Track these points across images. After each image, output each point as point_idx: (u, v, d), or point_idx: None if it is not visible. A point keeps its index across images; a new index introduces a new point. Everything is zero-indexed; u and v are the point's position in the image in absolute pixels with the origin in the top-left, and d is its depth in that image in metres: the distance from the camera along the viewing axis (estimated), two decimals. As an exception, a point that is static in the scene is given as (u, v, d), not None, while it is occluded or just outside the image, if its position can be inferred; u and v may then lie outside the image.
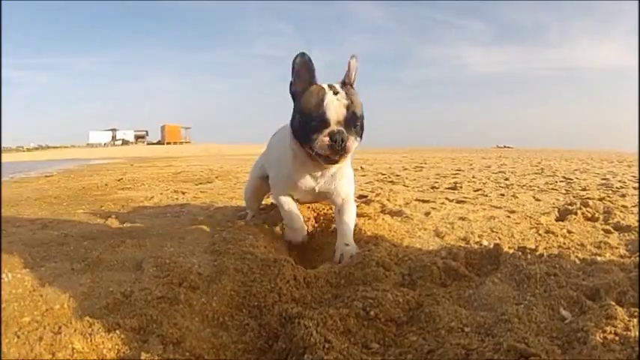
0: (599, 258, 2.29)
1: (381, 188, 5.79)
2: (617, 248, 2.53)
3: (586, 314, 1.58)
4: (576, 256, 2.34)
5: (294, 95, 2.47)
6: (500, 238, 2.77)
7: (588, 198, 4.25)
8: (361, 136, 2.43)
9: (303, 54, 2.38)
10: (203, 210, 4.07)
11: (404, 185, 6.25)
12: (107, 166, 15.17)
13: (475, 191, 5.39)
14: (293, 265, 2.05)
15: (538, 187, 5.73)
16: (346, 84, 2.42)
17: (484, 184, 6.30)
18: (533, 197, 4.70)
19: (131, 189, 6.33)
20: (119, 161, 20.79)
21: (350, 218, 2.66)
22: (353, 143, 2.35)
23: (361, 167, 10.55)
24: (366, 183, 6.77)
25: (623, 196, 4.56)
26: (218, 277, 1.95)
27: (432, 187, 5.85)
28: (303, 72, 2.40)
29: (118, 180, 7.99)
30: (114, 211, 3.98)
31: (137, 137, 72.89)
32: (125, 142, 70.14)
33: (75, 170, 13.14)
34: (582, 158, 14.66)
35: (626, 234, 2.85)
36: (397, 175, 8.08)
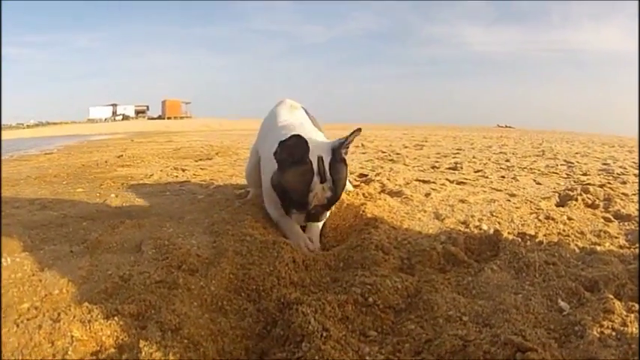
0: (598, 248, 2.28)
1: (382, 167, 5.79)
2: (616, 238, 2.49)
3: (584, 307, 1.59)
4: (576, 245, 2.32)
5: (280, 162, 2.39)
6: (499, 223, 2.75)
7: (589, 184, 4.22)
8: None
9: (299, 136, 2.28)
10: (203, 188, 4.05)
11: (404, 164, 6.22)
12: (107, 142, 15.12)
13: (475, 172, 5.35)
14: (292, 248, 2.06)
15: (539, 169, 5.68)
16: (341, 149, 2.40)
17: (485, 164, 6.26)
18: (534, 180, 4.67)
19: (131, 166, 6.30)
20: (120, 137, 20.74)
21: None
22: (326, 215, 2.48)
23: (362, 144, 10.51)
24: (367, 161, 6.75)
25: (624, 183, 4.51)
26: (217, 260, 1.95)
27: (433, 167, 5.81)
28: (297, 151, 2.31)
29: (118, 157, 7.96)
30: (113, 190, 3.97)
31: (138, 112, 72.51)
32: (126, 117, 69.80)
33: (75, 147, 13.07)
34: (583, 141, 14.58)
35: (626, 223, 2.82)
36: (397, 154, 8.05)
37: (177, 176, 4.98)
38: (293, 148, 2.28)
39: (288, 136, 2.31)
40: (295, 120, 2.79)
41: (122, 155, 8.23)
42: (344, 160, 2.43)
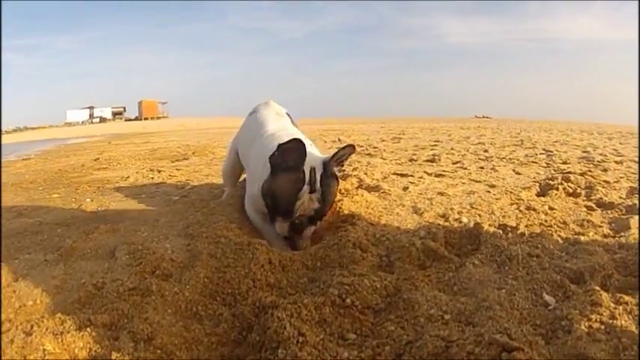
0: (582, 238, 2.25)
1: (359, 161, 5.73)
2: (600, 227, 2.47)
3: (570, 300, 1.56)
4: (559, 235, 2.29)
5: (274, 166, 2.34)
6: (480, 215, 2.72)
7: (569, 172, 4.21)
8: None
9: (299, 141, 2.24)
10: (178, 189, 3.99)
11: (382, 158, 6.18)
12: (85, 145, 14.93)
13: (454, 164, 5.34)
14: (267, 248, 2.00)
15: (518, 159, 5.68)
16: (333, 164, 2.37)
17: (463, 156, 6.25)
18: (514, 170, 4.66)
19: (107, 169, 6.21)
20: (97, 139, 20.49)
21: None
22: (311, 230, 2.39)
23: (338, 139, 10.48)
24: (343, 156, 6.63)
25: (605, 170, 4.52)
26: (191, 263, 1.91)
27: (410, 160, 5.77)
28: (294, 156, 2.26)
29: (95, 160, 7.84)
30: (89, 194, 3.90)
31: (115, 114, 71.83)
32: (103, 120, 69.05)
33: (52, 151, 12.89)
34: (562, 129, 14.66)
35: (609, 211, 2.80)
36: (375, 148, 8.01)
37: (152, 178, 4.90)
38: (291, 153, 2.24)
39: (287, 140, 2.27)
40: (288, 127, 2.75)
41: (99, 158, 8.11)
42: (335, 176, 2.40)
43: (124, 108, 73.96)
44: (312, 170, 2.26)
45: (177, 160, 7.01)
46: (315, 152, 2.48)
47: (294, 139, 2.23)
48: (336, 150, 2.35)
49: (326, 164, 2.33)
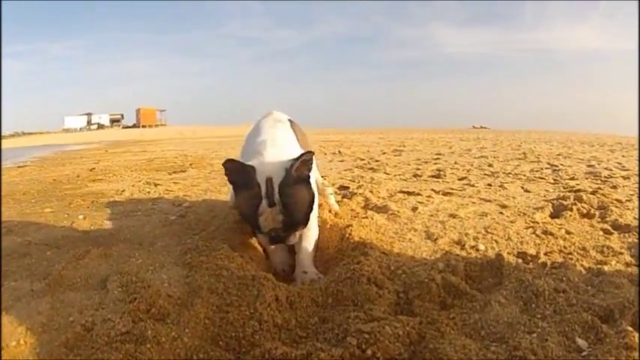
0: (605, 267, 2.13)
1: (362, 177, 5.61)
2: (621, 254, 2.36)
3: (603, 343, 1.44)
4: (582, 265, 2.18)
5: (232, 184, 2.32)
6: (496, 242, 2.59)
7: (579, 190, 4.14)
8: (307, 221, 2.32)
9: (232, 161, 2.18)
10: (175, 207, 3.82)
11: (385, 173, 6.04)
12: (81, 153, 14.78)
13: (460, 180, 5.23)
14: (274, 283, 1.83)
15: (525, 175, 5.57)
16: (296, 170, 2.21)
17: (468, 171, 6.14)
18: (522, 188, 4.54)
19: (103, 180, 6.04)
20: (94, 146, 20.40)
21: (309, 243, 2.45)
22: (293, 236, 2.27)
23: (339, 151, 10.36)
24: (345, 170, 6.56)
25: (615, 187, 4.42)
26: (190, 300, 1.73)
27: (415, 175, 5.64)
28: (237, 174, 2.21)
29: (91, 170, 7.68)
30: (82, 210, 3.74)
31: (112, 121, 71.78)
32: (101, 127, 68.98)
33: (48, 158, 12.73)
34: (561, 141, 14.62)
35: (626, 234, 2.70)
36: (377, 161, 7.89)
37: (149, 192, 4.74)
38: (234, 173, 2.20)
39: (246, 159, 2.25)
40: (272, 136, 2.57)
41: (94, 168, 7.96)
42: (302, 181, 2.24)
43: (122, 115, 74.11)
44: (269, 182, 2.14)
45: (174, 172, 6.85)
46: (278, 158, 2.27)
47: (228, 160, 2.17)
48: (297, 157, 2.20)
49: (287, 171, 2.17)
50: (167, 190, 4.88)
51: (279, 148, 2.36)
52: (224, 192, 4.54)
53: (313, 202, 2.32)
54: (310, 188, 2.30)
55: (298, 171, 2.19)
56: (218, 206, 3.69)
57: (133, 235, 2.80)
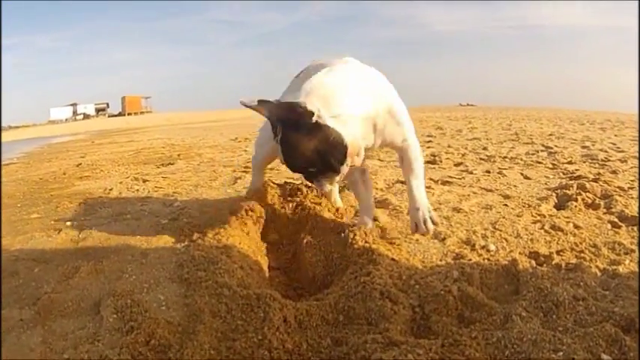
0: (620, 269, 2.07)
1: (355, 165, 5.45)
2: (633, 252, 2.29)
3: (627, 357, 1.39)
4: (596, 266, 2.11)
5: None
6: (506, 240, 2.50)
7: (580, 176, 4.08)
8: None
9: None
10: (166, 207, 3.68)
11: (379, 160, 5.87)
12: (68, 146, 14.51)
13: (456, 166, 5.16)
14: (280, 303, 1.71)
15: (521, 159, 5.49)
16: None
17: (463, 155, 6.05)
18: (521, 174, 4.47)
19: (90, 177, 5.88)
20: (81, 137, 20.16)
21: (416, 175, 2.49)
22: (332, 179, 2.14)
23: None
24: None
25: (615, 172, 4.36)
26: (192, 327, 1.61)
27: (410, 162, 5.51)
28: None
29: (77, 165, 7.50)
30: (69, 214, 3.61)
31: (98, 110, 71.06)
32: (86, 116, 68.16)
33: (35, 154, 12.44)
34: (550, 118, 14.54)
35: (634, 227, 2.64)
36: (368, 146, 7.75)
37: (137, 190, 4.60)
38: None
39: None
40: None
41: (81, 164, 7.77)
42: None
43: (107, 104, 73.53)
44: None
45: (162, 165, 6.68)
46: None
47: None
48: None
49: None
50: (156, 186, 4.74)
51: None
52: (214, 187, 4.51)
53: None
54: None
55: None
56: (210, 205, 3.59)
57: (124, 244, 2.66)
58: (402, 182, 4.01)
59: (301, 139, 2.00)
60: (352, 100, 2.10)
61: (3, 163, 9.65)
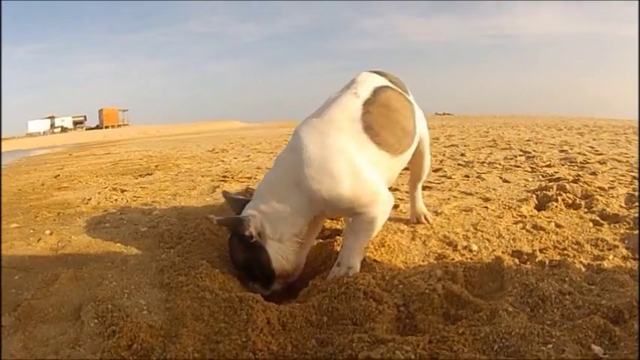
0: (604, 263, 2.10)
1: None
2: (616, 247, 2.31)
3: (618, 348, 1.40)
4: (580, 262, 2.12)
5: None
6: (488, 240, 2.50)
7: (559, 178, 4.08)
8: None
9: None
10: (145, 215, 3.64)
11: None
12: (46, 158, 14.41)
13: (435, 171, 5.13)
14: (263, 305, 1.71)
15: (500, 164, 5.50)
16: None
17: (441, 161, 6.06)
18: (500, 178, 4.47)
19: (68, 188, 5.82)
20: (58, 150, 20.10)
21: (355, 231, 2.18)
22: None
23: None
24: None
25: (594, 174, 4.37)
26: (174, 330, 1.59)
27: (387, 168, 5.52)
28: None
29: (55, 177, 7.43)
30: (49, 223, 3.54)
31: (75, 123, 70.53)
32: (64, 129, 67.55)
33: (13, 166, 12.32)
34: (528, 125, 14.63)
35: (616, 225, 2.66)
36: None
37: (116, 200, 4.54)
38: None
39: None
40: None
41: (59, 175, 7.70)
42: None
43: (85, 117, 73.00)
44: None
45: (140, 176, 6.62)
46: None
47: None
48: None
49: None
50: (135, 196, 4.69)
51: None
52: (193, 196, 4.45)
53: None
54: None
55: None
56: (189, 213, 3.56)
57: (104, 251, 2.63)
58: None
59: (238, 249, 2.12)
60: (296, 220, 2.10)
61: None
